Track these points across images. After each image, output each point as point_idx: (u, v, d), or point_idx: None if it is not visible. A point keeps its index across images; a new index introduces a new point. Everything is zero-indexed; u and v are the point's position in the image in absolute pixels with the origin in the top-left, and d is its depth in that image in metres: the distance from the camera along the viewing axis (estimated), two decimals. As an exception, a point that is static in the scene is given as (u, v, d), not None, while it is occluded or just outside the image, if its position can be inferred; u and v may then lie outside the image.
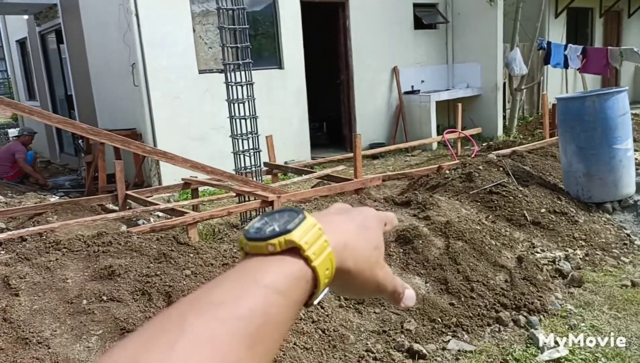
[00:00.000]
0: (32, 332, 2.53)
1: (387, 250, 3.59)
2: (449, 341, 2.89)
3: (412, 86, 9.87)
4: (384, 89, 9.74)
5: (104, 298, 2.76)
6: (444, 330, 2.98)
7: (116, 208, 5.41)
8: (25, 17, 10.31)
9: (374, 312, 3.13)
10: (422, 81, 10.07)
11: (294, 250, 0.42)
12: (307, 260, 0.42)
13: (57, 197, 6.81)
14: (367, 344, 2.87)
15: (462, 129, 8.28)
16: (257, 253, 0.42)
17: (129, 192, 5.40)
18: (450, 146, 8.02)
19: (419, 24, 9.92)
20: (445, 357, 2.78)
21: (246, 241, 0.43)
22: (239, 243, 0.44)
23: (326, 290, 0.45)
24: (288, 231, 0.42)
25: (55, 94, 10.62)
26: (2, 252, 4.16)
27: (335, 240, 0.45)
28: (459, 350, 2.82)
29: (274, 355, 0.41)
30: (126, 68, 7.18)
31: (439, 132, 9.31)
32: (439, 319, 3.03)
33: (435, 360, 2.75)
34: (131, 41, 6.92)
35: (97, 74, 8.27)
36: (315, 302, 0.45)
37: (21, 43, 11.67)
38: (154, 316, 0.36)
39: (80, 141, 8.13)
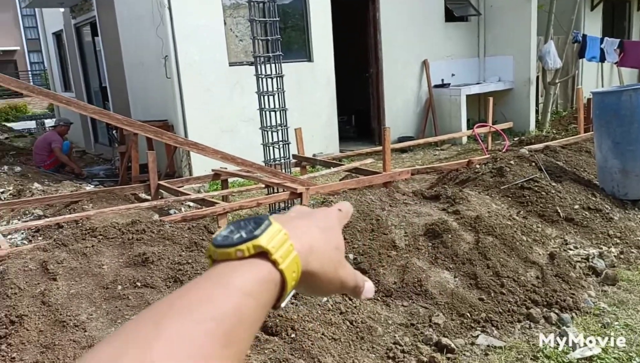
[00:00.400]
0: (69, 315, 2.61)
1: (416, 244, 3.58)
2: (477, 336, 2.87)
3: (442, 80, 9.76)
4: (414, 82, 9.66)
5: (138, 284, 2.84)
6: (472, 325, 2.96)
7: (148, 197, 5.53)
8: (62, 10, 10.57)
9: (402, 305, 3.13)
10: (453, 75, 9.95)
11: (262, 255, 0.44)
12: (274, 264, 0.44)
13: (92, 186, 6.98)
14: (394, 337, 2.87)
15: (493, 124, 8.16)
16: (225, 259, 0.43)
17: (161, 182, 5.50)
18: (480, 141, 7.91)
19: (450, 17, 9.79)
20: (474, 352, 2.77)
21: (214, 249, 0.44)
22: (207, 252, 0.45)
23: (292, 292, 0.47)
24: (255, 237, 0.44)
25: (90, 86, 10.87)
26: (40, 238, 4.30)
27: (300, 244, 0.46)
28: (488, 346, 2.80)
29: (245, 355, 0.42)
30: (159, 60, 7.30)
31: (469, 127, 9.20)
32: (468, 314, 3.01)
33: (464, 354, 2.74)
34: (164, 34, 7.03)
35: (131, 66, 8.42)
36: (283, 305, 0.46)
37: (57, 35, 11.96)
38: (127, 321, 0.38)
39: (114, 131, 8.31)
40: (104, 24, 9.07)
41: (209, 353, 0.36)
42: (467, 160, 5.88)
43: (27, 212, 5.12)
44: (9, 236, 4.30)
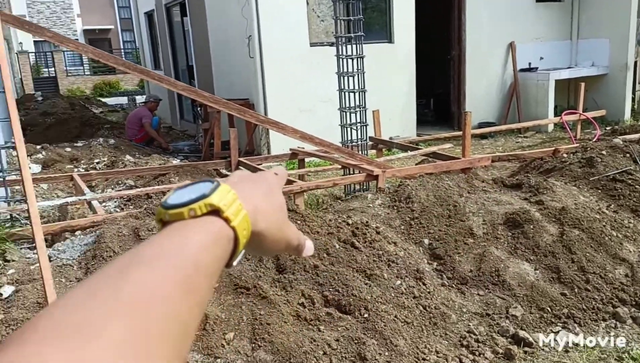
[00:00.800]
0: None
1: (495, 233, 3.49)
2: (558, 332, 2.77)
3: (530, 63, 9.29)
4: (498, 65, 9.27)
5: (220, 255, 2.98)
6: (553, 320, 2.85)
7: (229, 173, 5.74)
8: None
9: (478, 294, 3.07)
10: (541, 58, 9.44)
11: (213, 213, 0.44)
12: (226, 221, 0.44)
13: (178, 160, 7.35)
14: (469, 325, 2.83)
15: (583, 111, 7.69)
16: (177, 220, 0.44)
17: (241, 159, 5.69)
18: (568, 129, 7.50)
19: (542, -4, 9.27)
20: (554, 348, 2.68)
21: (165, 211, 0.44)
22: (156, 216, 0.46)
23: (243, 251, 0.47)
24: (206, 196, 0.44)
25: (178, 64, 11.35)
26: (131, 206, 4.61)
27: (246, 205, 0.47)
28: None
29: (205, 309, 0.43)
30: (243, 40, 7.48)
31: (556, 114, 8.73)
32: (549, 308, 2.91)
33: (543, 350, 2.66)
34: (249, 14, 7.19)
35: (216, 46, 8.70)
36: (235, 263, 0.47)
37: (149, 15, 12.55)
38: (91, 275, 0.38)
39: (199, 109, 8.66)
40: (192, 4, 9.41)
41: (174, 299, 0.37)
42: (553, 148, 5.61)
43: (119, 182, 5.49)
44: (104, 204, 4.64)
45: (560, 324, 2.83)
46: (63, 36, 3.77)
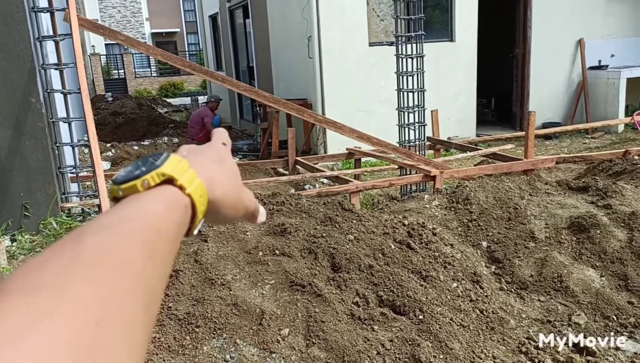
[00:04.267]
0: (217, 275, 2.89)
1: (558, 237, 3.36)
2: (624, 342, 2.64)
3: (600, 61, 8.86)
4: (565, 63, 8.90)
5: (277, 252, 3.04)
6: (619, 329, 2.72)
7: (286, 172, 5.83)
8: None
9: (538, 300, 2.98)
10: (612, 55, 8.98)
11: (168, 183, 0.44)
12: (181, 189, 0.44)
13: (237, 159, 7.54)
14: (528, 331, 2.75)
15: (658, 111, 7.26)
16: (131, 194, 0.43)
17: (298, 158, 5.77)
18: (641, 130, 7.09)
19: (614, -9, 8.81)
20: (619, 358, 2.56)
21: (117, 186, 0.44)
22: (110, 194, 0.45)
23: (202, 221, 0.47)
24: (157, 166, 0.44)
25: (239, 65, 11.64)
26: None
27: (200, 174, 0.47)
28: (635, 353, 2.57)
29: (169, 274, 0.42)
30: (302, 41, 7.58)
31: (627, 114, 8.28)
32: (614, 317, 2.78)
33: (606, 359, 2.54)
34: (309, 15, 7.26)
35: (277, 47, 8.85)
36: (195, 232, 0.46)
37: (213, 18, 12.93)
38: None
39: (258, 108, 8.85)
40: (254, 6, 9.61)
41: (137, 262, 0.37)
42: (623, 150, 5.34)
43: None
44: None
45: (627, 333, 2.69)
46: (134, 39, 3.96)
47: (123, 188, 0.43)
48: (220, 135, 0.61)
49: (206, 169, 0.49)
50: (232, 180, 0.52)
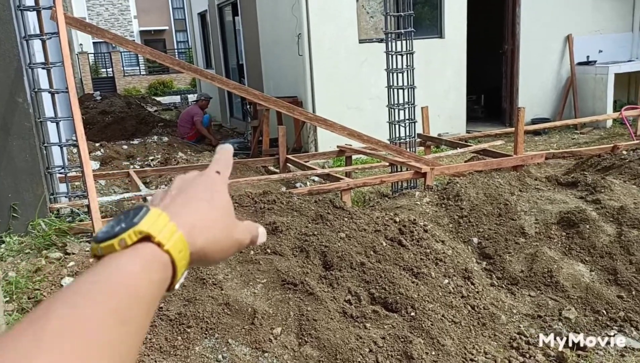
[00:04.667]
0: (209, 274, 2.88)
1: (548, 232, 3.39)
2: (614, 335, 2.66)
3: (588, 57, 8.92)
4: (554, 59, 8.95)
5: (268, 251, 3.03)
6: (609, 323, 2.75)
7: (277, 170, 5.82)
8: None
9: (529, 295, 3.00)
10: (600, 51, 9.05)
11: (146, 240, 0.43)
12: (159, 246, 0.43)
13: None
14: (519, 327, 2.77)
15: (645, 106, 7.33)
16: (110, 253, 0.43)
17: (289, 156, 5.76)
18: (629, 125, 7.16)
19: (601, -14, 8.87)
20: (609, 352, 2.58)
21: (97, 245, 0.43)
22: (91, 252, 0.45)
23: (185, 273, 0.46)
24: (135, 224, 0.43)
25: (229, 63, 11.59)
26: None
27: (182, 223, 0.46)
28: (625, 347, 2.59)
29: (144, 336, 0.42)
30: (292, 38, 7.56)
31: (615, 109, 8.35)
32: (604, 311, 2.80)
33: (597, 353, 2.57)
34: (299, 12, 7.25)
35: (266, 45, 8.82)
36: (177, 286, 0.46)
37: (202, 16, 12.86)
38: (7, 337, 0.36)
39: (248, 106, 8.82)
40: (243, 4, 9.57)
41: (106, 332, 0.36)
42: (612, 145, 5.38)
43: (172, 178, 5.67)
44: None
45: (617, 327, 2.72)
46: (122, 38, 3.93)
47: (102, 247, 0.43)
48: (218, 160, 0.58)
49: (190, 216, 0.47)
50: (221, 220, 0.50)
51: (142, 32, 31.28)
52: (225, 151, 0.60)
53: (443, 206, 3.77)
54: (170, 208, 0.47)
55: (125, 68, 24.69)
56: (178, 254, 0.45)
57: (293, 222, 3.29)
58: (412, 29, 5.10)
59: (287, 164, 5.80)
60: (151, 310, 0.42)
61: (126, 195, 4.25)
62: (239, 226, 0.53)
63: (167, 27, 32.13)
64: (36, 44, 4.27)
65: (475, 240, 3.44)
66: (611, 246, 3.18)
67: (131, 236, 0.43)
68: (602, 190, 3.78)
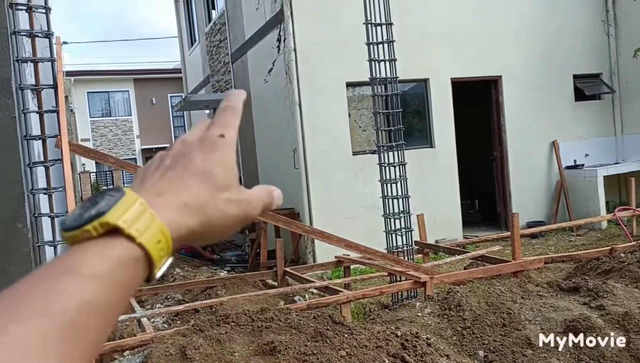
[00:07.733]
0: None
1: (555, 342, 3.28)
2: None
3: (575, 161, 9.22)
4: (542, 164, 9.24)
5: (266, 373, 2.91)
6: None
7: (275, 283, 5.75)
8: (207, 111, 11.90)
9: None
10: (587, 155, 9.37)
11: (116, 231, 0.39)
12: (131, 239, 0.39)
13: (225, 272, 7.44)
14: None
15: (637, 206, 7.43)
16: (75, 244, 0.39)
17: (287, 269, 5.71)
18: (623, 226, 7.21)
19: (580, 96, 9.39)
20: None
21: (63, 232, 0.39)
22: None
23: (169, 260, 0.42)
24: (102, 214, 0.38)
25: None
26: (179, 322, 4.64)
27: (169, 204, 0.42)
28: None
29: (105, 338, 0.38)
30: (288, 152, 7.83)
31: (608, 210, 8.46)
32: None
33: None
34: (294, 128, 7.58)
35: (263, 159, 9.13)
36: (158, 275, 0.41)
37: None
38: None
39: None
40: (241, 123, 10.03)
41: (50, 353, 0.32)
42: (609, 247, 5.38)
43: (168, 297, 5.58)
44: (152, 320, 4.69)
45: None
46: (124, 161, 4.08)
47: (66, 236, 0.39)
48: (225, 110, 0.52)
49: (182, 194, 0.43)
50: (221, 195, 0.45)
51: (143, 150, 32.38)
52: (234, 97, 0.54)
53: (445, 316, 3.69)
54: (158, 184, 0.43)
55: (126, 186, 25.15)
56: (155, 245, 0.39)
57: (292, 341, 3.19)
58: (403, 142, 5.32)
59: (286, 277, 5.73)
60: (114, 315, 0.38)
61: (120, 318, 4.15)
62: (245, 196, 0.47)
63: (167, 145, 33.22)
64: (39, 170, 4.42)
65: (481, 353, 3.33)
66: (620, 355, 3.07)
67: (96, 228, 0.38)
68: (605, 295, 3.73)
